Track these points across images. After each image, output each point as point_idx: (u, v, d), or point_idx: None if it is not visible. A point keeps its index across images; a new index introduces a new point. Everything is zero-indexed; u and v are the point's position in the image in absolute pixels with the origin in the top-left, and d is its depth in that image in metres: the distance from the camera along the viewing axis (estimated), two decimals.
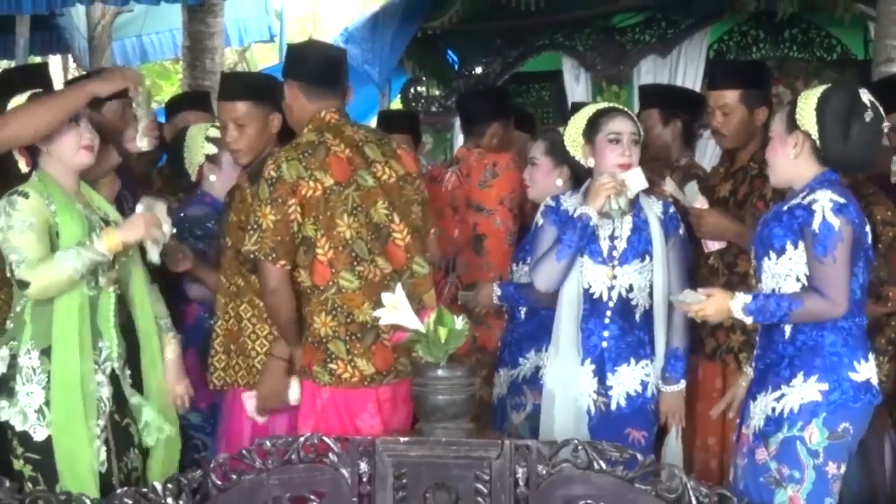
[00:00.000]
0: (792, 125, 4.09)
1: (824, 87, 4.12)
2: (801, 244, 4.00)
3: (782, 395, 4.02)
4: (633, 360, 4.69)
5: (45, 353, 4.36)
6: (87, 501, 4.13)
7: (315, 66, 4.65)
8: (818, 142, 4.02)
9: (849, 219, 3.94)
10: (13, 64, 8.57)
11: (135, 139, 4.77)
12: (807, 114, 4.03)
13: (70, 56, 11.72)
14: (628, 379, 4.68)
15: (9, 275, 4.40)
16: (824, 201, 3.95)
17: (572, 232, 4.60)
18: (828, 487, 4.00)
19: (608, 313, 4.69)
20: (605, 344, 4.68)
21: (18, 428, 4.35)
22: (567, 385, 4.69)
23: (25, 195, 4.34)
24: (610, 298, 4.68)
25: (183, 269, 4.96)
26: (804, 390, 3.98)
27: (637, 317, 4.72)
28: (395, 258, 4.55)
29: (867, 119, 4.01)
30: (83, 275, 4.33)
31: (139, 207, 4.52)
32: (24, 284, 4.29)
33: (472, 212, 5.63)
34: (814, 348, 4.01)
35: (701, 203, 4.85)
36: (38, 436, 4.35)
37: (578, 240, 4.60)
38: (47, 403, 4.35)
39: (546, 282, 4.66)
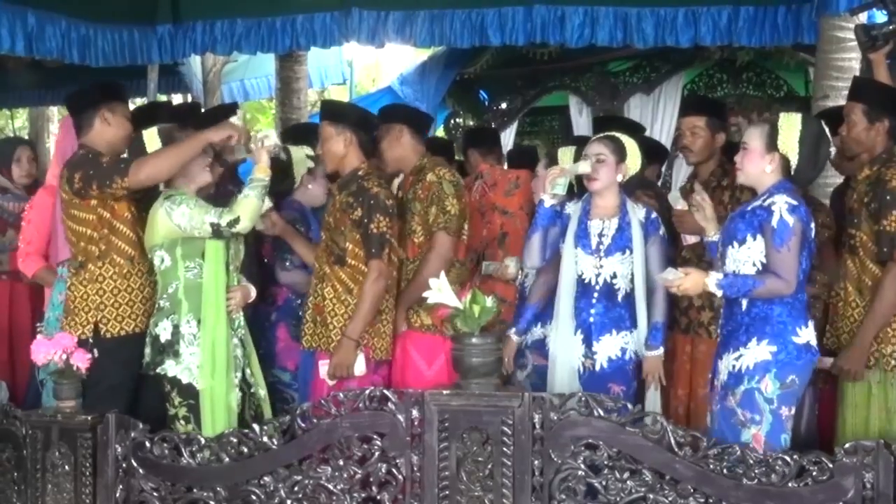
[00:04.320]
0: (772, 146, 4.07)
1: (799, 116, 4.11)
2: (759, 237, 4.01)
3: (741, 356, 4.03)
4: (614, 331, 4.63)
5: (200, 322, 4.45)
6: (202, 439, 4.15)
7: (419, 116, 5.16)
8: (795, 164, 4.04)
9: (799, 217, 3.96)
10: (146, 101, 8.59)
11: (233, 153, 4.81)
12: (790, 140, 4.04)
13: (189, 95, 11.72)
14: (610, 346, 4.62)
15: (160, 265, 4.47)
16: (781, 203, 3.97)
17: (536, 216, 4.72)
18: (783, 426, 3.99)
19: (595, 294, 4.64)
20: (591, 319, 4.64)
21: (185, 381, 4.42)
22: (565, 351, 4.66)
23: (179, 193, 4.47)
24: (597, 283, 4.64)
25: (273, 232, 5.01)
26: (757, 351, 4.00)
27: (619, 297, 4.65)
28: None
29: (830, 148, 4.12)
30: (263, 199, 4.49)
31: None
32: (233, 223, 4.40)
33: (499, 214, 5.60)
34: (765, 318, 4.02)
35: (682, 206, 4.85)
36: (199, 385, 4.42)
37: (539, 220, 4.68)
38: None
39: (529, 258, 4.75)
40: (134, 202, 4.64)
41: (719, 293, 4.06)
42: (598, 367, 4.62)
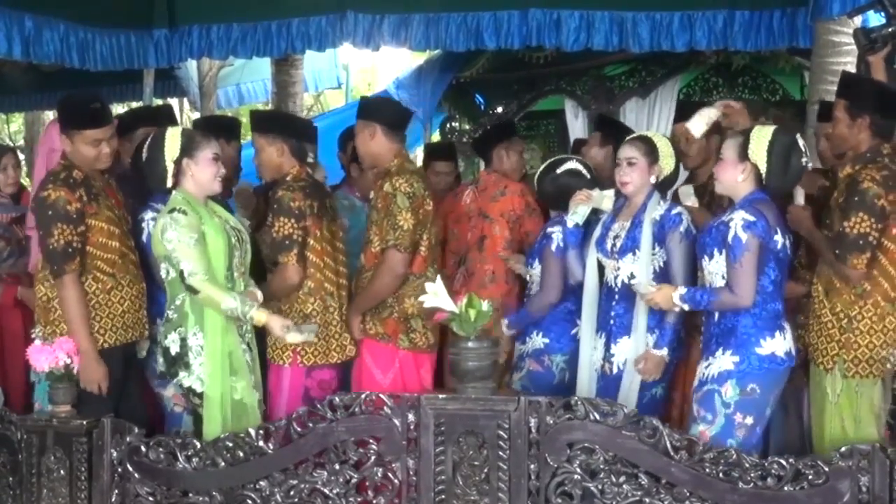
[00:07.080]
0: (744, 155, 4.18)
1: (772, 128, 4.21)
2: (724, 251, 4.12)
3: (709, 364, 4.18)
4: (632, 333, 4.60)
5: (205, 333, 4.38)
6: (197, 443, 4.14)
7: (395, 114, 4.89)
8: (764, 173, 4.13)
9: (755, 233, 4.05)
10: (141, 104, 8.58)
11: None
12: (759, 151, 4.14)
13: (185, 99, 11.71)
14: (627, 348, 4.58)
15: (166, 276, 4.39)
16: (738, 220, 4.08)
17: (565, 237, 4.84)
18: (732, 432, 4.10)
19: (616, 296, 4.63)
20: (612, 321, 4.63)
21: (198, 390, 4.36)
22: (588, 355, 4.72)
23: (184, 212, 4.30)
24: (616, 285, 4.63)
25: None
26: (722, 361, 4.14)
27: (639, 298, 4.59)
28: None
29: (802, 161, 4.17)
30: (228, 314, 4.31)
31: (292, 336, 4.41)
32: (194, 290, 4.25)
33: (481, 219, 5.65)
34: (731, 329, 4.15)
35: (693, 202, 4.89)
36: (211, 392, 4.35)
37: (568, 239, 4.83)
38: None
39: (572, 275, 4.85)
40: (114, 220, 4.59)
41: (684, 306, 4.23)
42: (614, 370, 4.59)
